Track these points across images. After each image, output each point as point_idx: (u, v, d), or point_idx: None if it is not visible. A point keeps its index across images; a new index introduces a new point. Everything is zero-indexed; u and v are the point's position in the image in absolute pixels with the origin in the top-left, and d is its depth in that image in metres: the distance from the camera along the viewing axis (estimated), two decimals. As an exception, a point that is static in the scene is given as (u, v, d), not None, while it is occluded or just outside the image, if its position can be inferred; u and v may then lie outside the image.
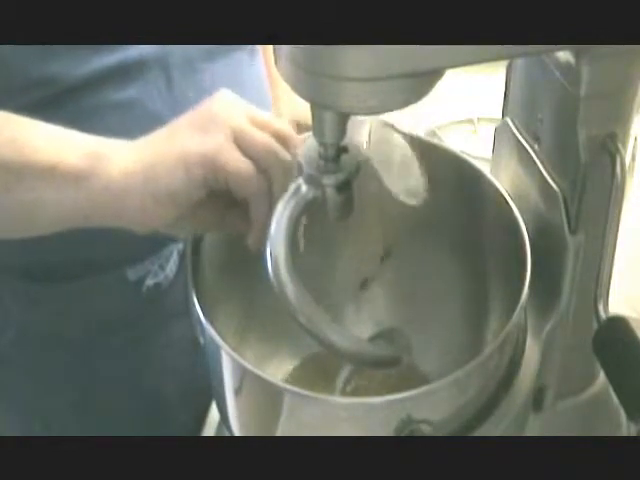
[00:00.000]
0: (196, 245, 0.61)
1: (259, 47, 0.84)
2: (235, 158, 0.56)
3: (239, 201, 0.58)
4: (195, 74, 0.75)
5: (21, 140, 0.59)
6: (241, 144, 0.56)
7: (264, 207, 0.57)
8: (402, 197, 0.60)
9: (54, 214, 0.60)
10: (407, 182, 0.60)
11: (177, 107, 0.74)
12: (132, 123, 0.72)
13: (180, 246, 0.80)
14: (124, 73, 0.70)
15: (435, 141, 0.72)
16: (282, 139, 0.58)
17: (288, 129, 0.59)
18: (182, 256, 0.80)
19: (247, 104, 0.59)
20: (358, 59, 0.44)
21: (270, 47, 0.57)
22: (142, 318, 0.82)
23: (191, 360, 0.76)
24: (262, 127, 0.58)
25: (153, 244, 0.79)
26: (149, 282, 0.80)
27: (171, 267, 0.80)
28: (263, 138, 0.57)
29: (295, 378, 0.72)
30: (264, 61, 0.86)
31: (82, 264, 0.77)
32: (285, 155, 0.57)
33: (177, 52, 0.73)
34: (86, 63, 0.68)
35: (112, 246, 0.76)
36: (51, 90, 0.68)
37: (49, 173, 0.58)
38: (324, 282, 0.74)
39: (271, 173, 0.57)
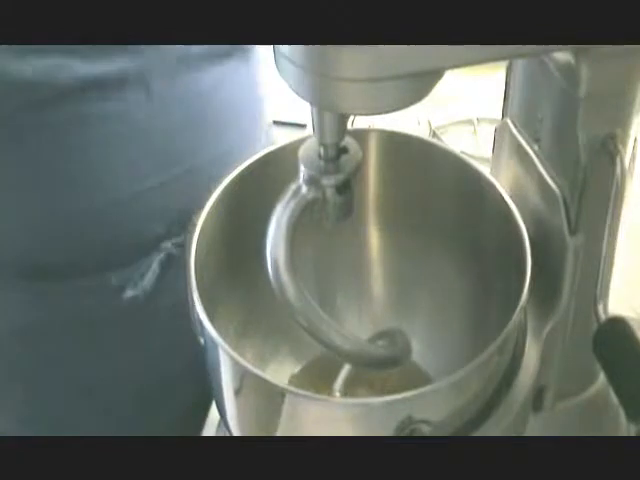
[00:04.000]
0: (196, 245, 0.61)
1: (255, 58, 0.84)
2: None
3: None
4: (175, 87, 0.76)
5: None
6: None
7: None
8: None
9: None
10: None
11: (158, 118, 0.76)
12: (114, 135, 0.74)
13: (162, 255, 0.81)
14: (104, 85, 0.72)
15: (435, 141, 0.72)
16: None
17: None
18: (164, 266, 0.81)
19: None
20: (358, 59, 0.44)
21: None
22: (121, 329, 0.83)
23: (176, 364, 0.81)
24: None
25: (137, 250, 0.80)
26: (129, 292, 0.81)
27: (149, 278, 0.81)
28: None
29: (296, 380, 0.72)
30: None
31: (70, 264, 0.79)
32: None
33: (156, 65, 0.74)
34: (66, 71, 0.69)
35: (100, 248, 0.79)
36: (32, 96, 0.69)
37: None
38: (324, 282, 0.74)
39: None
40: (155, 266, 0.81)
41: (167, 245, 0.81)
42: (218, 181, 0.63)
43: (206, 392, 0.64)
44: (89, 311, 0.82)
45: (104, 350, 0.84)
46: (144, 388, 0.88)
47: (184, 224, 0.79)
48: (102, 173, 0.76)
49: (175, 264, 0.82)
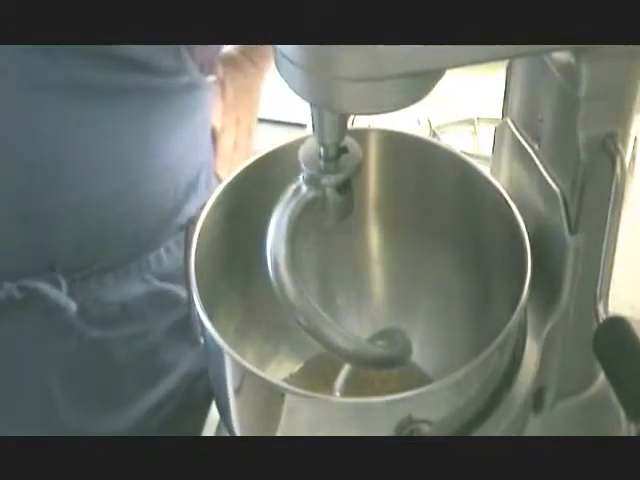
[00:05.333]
0: (196, 245, 0.61)
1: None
2: None
3: None
4: (39, 107, 0.70)
5: None
6: None
7: None
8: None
9: None
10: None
11: (20, 140, 0.70)
12: None
13: (2, 294, 0.75)
14: None
15: (435, 140, 0.72)
16: None
17: None
18: (3, 307, 0.75)
19: None
20: (358, 59, 0.44)
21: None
22: None
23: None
24: None
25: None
26: None
27: None
28: None
29: (296, 379, 0.72)
30: None
31: None
32: None
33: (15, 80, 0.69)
34: None
35: None
36: None
37: None
38: (324, 282, 0.74)
39: None
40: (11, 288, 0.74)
41: (10, 286, 0.74)
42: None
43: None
44: None
45: None
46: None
47: (45, 264, 0.74)
48: None
49: (16, 309, 0.75)
